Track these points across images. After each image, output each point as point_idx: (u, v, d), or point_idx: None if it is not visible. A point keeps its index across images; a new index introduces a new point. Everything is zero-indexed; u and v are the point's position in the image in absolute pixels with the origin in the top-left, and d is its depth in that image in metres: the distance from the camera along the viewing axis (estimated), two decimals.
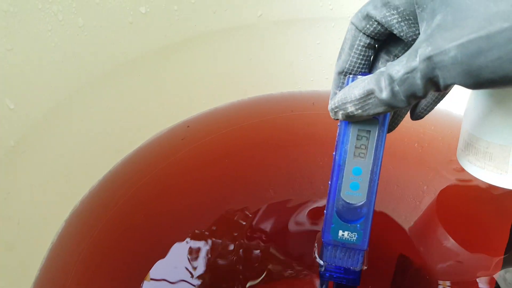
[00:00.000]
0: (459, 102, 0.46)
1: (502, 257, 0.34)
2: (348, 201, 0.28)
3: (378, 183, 0.27)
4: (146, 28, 0.43)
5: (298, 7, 0.49)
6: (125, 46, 0.43)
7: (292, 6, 0.49)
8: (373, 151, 0.27)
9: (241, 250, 0.37)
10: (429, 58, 0.20)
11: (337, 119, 0.27)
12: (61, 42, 0.36)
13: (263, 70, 0.54)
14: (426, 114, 0.31)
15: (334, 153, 0.28)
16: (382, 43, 0.27)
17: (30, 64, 0.34)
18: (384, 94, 0.22)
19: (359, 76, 0.26)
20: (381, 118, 0.27)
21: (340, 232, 0.28)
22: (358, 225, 0.28)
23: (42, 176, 0.37)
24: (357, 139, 0.27)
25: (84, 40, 0.38)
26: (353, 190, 0.28)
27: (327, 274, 0.31)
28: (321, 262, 0.30)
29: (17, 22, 0.32)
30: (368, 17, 0.25)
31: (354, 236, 0.28)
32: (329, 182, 0.28)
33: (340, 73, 0.28)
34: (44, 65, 0.35)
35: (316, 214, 0.40)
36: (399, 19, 0.24)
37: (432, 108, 0.31)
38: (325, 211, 0.28)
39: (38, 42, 0.34)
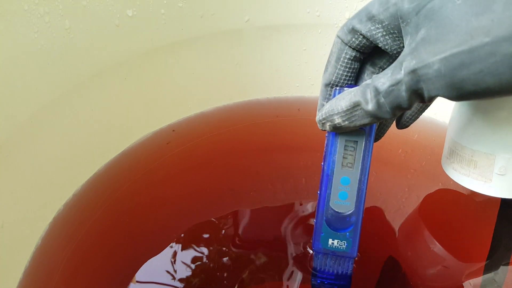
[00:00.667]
0: (443, 110, 0.48)
1: (484, 263, 0.35)
2: (337, 210, 0.28)
3: (366, 192, 0.28)
4: (132, 32, 0.43)
5: (285, 13, 0.50)
6: (111, 49, 0.42)
7: (279, 12, 0.50)
8: (361, 161, 0.28)
9: (224, 255, 0.37)
10: (413, 71, 0.21)
11: (325, 130, 0.27)
12: (47, 45, 0.36)
13: (249, 75, 0.54)
14: (411, 123, 0.32)
15: (322, 163, 0.29)
16: (368, 55, 0.28)
17: (15, 66, 0.34)
18: (370, 106, 0.23)
19: (345, 88, 0.27)
20: (368, 129, 0.27)
21: (330, 241, 0.29)
22: (347, 234, 0.28)
23: (26, 180, 0.36)
24: (345, 149, 0.28)
25: (70, 43, 0.38)
26: (342, 200, 0.28)
27: (318, 281, 0.32)
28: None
29: (2, 23, 0.32)
30: (353, 30, 0.25)
31: (344, 244, 0.29)
32: (318, 192, 0.29)
33: (327, 85, 0.28)
34: (29, 67, 0.35)
35: (301, 219, 0.40)
36: (384, 33, 0.25)
37: (417, 118, 0.32)
38: (314, 220, 0.29)
39: (24, 44, 0.34)
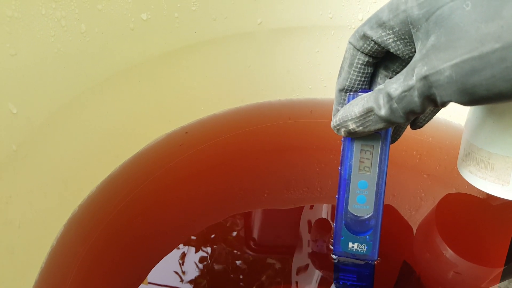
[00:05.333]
0: (458, 112, 0.47)
1: (502, 269, 0.34)
2: (356, 214, 0.29)
3: (384, 195, 0.28)
4: (147, 35, 0.44)
5: (298, 15, 0.50)
6: (125, 52, 0.43)
7: (292, 14, 0.50)
8: (378, 165, 0.28)
9: (238, 258, 0.37)
10: (425, 78, 0.21)
11: (341, 135, 0.28)
12: (64, 48, 0.37)
13: (261, 77, 0.54)
14: (426, 123, 0.32)
15: (339, 168, 0.29)
16: (381, 59, 0.28)
17: (33, 70, 0.34)
18: (383, 111, 0.23)
19: (359, 94, 0.27)
20: (383, 133, 0.28)
21: (350, 244, 0.29)
22: (367, 237, 0.29)
23: (42, 181, 0.37)
24: (361, 154, 0.28)
25: (86, 46, 0.39)
26: (360, 203, 0.28)
27: (340, 282, 0.32)
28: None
29: (21, 28, 0.33)
30: (365, 37, 0.26)
31: (364, 248, 0.29)
32: (336, 196, 0.29)
33: (341, 90, 0.29)
34: (46, 70, 0.36)
35: (315, 221, 0.40)
36: (395, 39, 0.25)
37: (431, 118, 0.32)
38: (334, 225, 0.29)
39: (41, 47, 0.35)
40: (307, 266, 0.36)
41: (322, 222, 0.40)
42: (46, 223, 0.38)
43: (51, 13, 0.35)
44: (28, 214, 0.35)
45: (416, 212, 0.40)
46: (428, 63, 0.21)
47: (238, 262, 0.37)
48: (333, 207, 0.41)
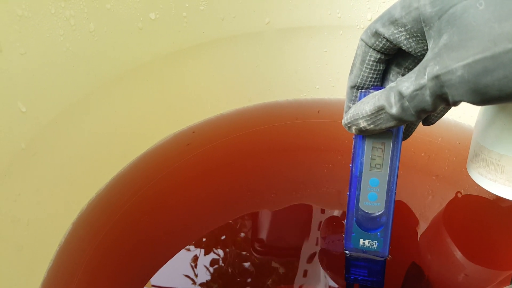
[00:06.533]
0: (468, 112, 0.47)
1: (511, 271, 0.34)
2: (367, 211, 0.29)
3: (395, 192, 0.28)
4: (155, 34, 0.44)
5: (306, 15, 0.50)
6: (134, 52, 0.43)
7: (300, 14, 0.49)
8: (389, 162, 0.28)
9: (245, 259, 0.37)
10: (437, 77, 0.21)
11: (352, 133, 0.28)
12: (73, 47, 0.37)
13: (269, 77, 0.54)
14: (437, 120, 0.32)
15: (350, 165, 0.29)
16: (393, 56, 0.27)
17: (42, 68, 0.35)
18: (394, 110, 0.23)
19: (371, 91, 0.27)
20: (395, 130, 0.27)
21: (361, 241, 0.29)
22: (378, 234, 0.29)
23: (50, 179, 0.37)
24: (373, 151, 0.28)
25: (94, 45, 0.39)
26: (371, 201, 0.28)
27: (352, 277, 0.32)
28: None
29: (31, 27, 0.33)
30: (377, 34, 0.25)
31: (375, 244, 0.29)
32: (348, 193, 0.29)
33: (352, 87, 0.29)
34: (55, 69, 0.36)
35: (323, 221, 0.40)
36: (407, 36, 0.24)
37: (443, 115, 0.32)
38: (345, 221, 0.29)
39: (50, 46, 0.35)
40: (317, 264, 0.36)
41: (331, 221, 0.40)
42: (54, 221, 0.38)
43: (60, 12, 0.35)
44: (37, 212, 0.35)
45: (425, 213, 0.40)
46: (440, 62, 0.21)
47: (245, 264, 0.37)
48: (341, 206, 0.41)
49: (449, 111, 0.32)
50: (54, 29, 0.35)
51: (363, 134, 0.27)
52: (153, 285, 0.35)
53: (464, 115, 0.49)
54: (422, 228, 0.39)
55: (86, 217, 0.41)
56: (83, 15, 0.37)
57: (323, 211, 0.41)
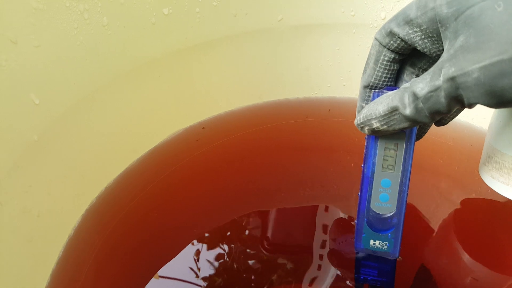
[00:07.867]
0: (481, 115, 0.46)
1: None
2: (378, 212, 0.28)
3: (407, 193, 0.28)
4: (167, 30, 0.44)
5: (319, 13, 0.49)
6: (146, 47, 0.43)
7: (313, 12, 0.49)
8: (402, 163, 0.27)
9: (251, 256, 0.37)
10: (452, 79, 0.20)
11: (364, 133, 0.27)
12: (86, 41, 0.37)
13: (280, 74, 0.54)
14: (450, 120, 0.32)
15: (362, 165, 0.29)
16: (407, 56, 0.27)
17: (56, 61, 0.35)
18: (408, 111, 0.23)
19: (384, 91, 0.27)
20: (408, 131, 0.27)
21: (372, 241, 0.29)
22: (389, 234, 0.28)
23: (61, 171, 0.37)
24: (385, 152, 0.28)
25: (107, 40, 0.39)
26: (383, 201, 0.28)
27: (361, 277, 0.32)
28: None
29: (45, 20, 0.33)
30: (391, 34, 0.25)
31: (386, 245, 0.29)
32: (359, 194, 0.29)
33: (365, 87, 0.28)
34: (68, 62, 0.36)
35: (332, 220, 0.40)
36: (422, 36, 0.24)
37: (456, 115, 0.31)
38: (356, 221, 0.29)
39: (64, 40, 0.35)
40: (326, 263, 0.35)
41: (340, 221, 0.40)
42: (64, 213, 0.38)
43: (74, 5, 0.35)
44: (47, 204, 0.36)
45: (435, 215, 0.40)
46: (456, 64, 0.20)
47: (251, 261, 0.37)
48: (350, 206, 0.41)
49: (462, 112, 0.32)
50: (68, 23, 0.35)
51: (376, 134, 0.27)
52: (160, 276, 0.35)
53: (477, 117, 0.48)
54: (433, 230, 0.38)
55: (95, 210, 0.41)
56: (97, 9, 0.37)
57: (332, 212, 0.41)
